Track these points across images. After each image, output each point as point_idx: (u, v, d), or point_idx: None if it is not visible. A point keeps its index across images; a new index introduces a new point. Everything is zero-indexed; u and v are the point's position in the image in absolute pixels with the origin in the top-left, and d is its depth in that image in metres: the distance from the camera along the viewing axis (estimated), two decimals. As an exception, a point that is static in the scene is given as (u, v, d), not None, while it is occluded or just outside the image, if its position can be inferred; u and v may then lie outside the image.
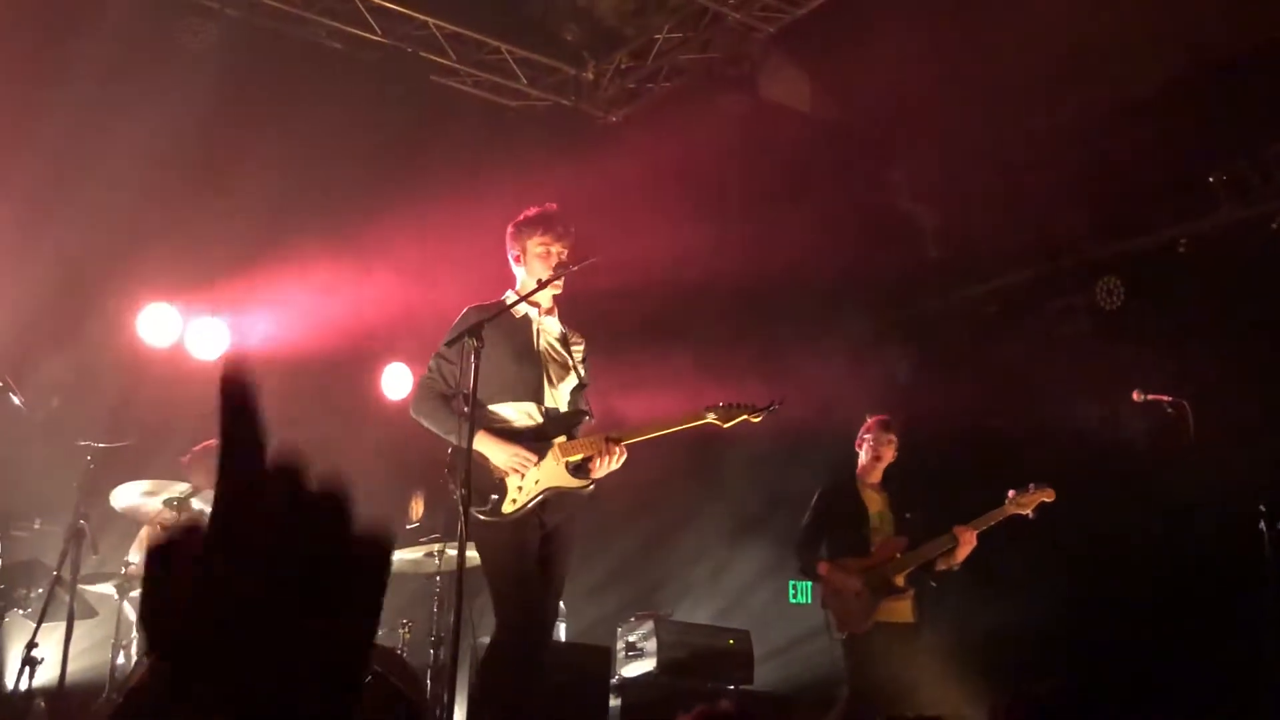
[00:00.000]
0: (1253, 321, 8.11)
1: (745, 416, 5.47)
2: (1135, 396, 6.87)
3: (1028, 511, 7.03)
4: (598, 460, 5.35)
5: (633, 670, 8.17)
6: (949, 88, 9.07)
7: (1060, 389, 8.90)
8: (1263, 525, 6.41)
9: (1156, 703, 7.61)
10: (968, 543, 7.05)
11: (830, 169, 9.90)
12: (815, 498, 7.62)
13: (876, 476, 7.54)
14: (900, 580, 7.18)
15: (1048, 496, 7.02)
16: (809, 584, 7.58)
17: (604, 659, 7.89)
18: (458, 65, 9.53)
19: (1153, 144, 8.72)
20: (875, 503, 7.49)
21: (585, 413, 5.61)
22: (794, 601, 9.51)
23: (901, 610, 7.23)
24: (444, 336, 5.45)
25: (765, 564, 9.52)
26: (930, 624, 7.44)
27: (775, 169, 9.65)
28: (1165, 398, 6.80)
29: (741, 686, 8.20)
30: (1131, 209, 9.18)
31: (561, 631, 8.42)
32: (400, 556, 7.42)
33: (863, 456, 7.57)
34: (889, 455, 7.51)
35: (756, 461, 9.74)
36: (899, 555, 7.21)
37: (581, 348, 5.72)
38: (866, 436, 7.58)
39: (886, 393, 9.35)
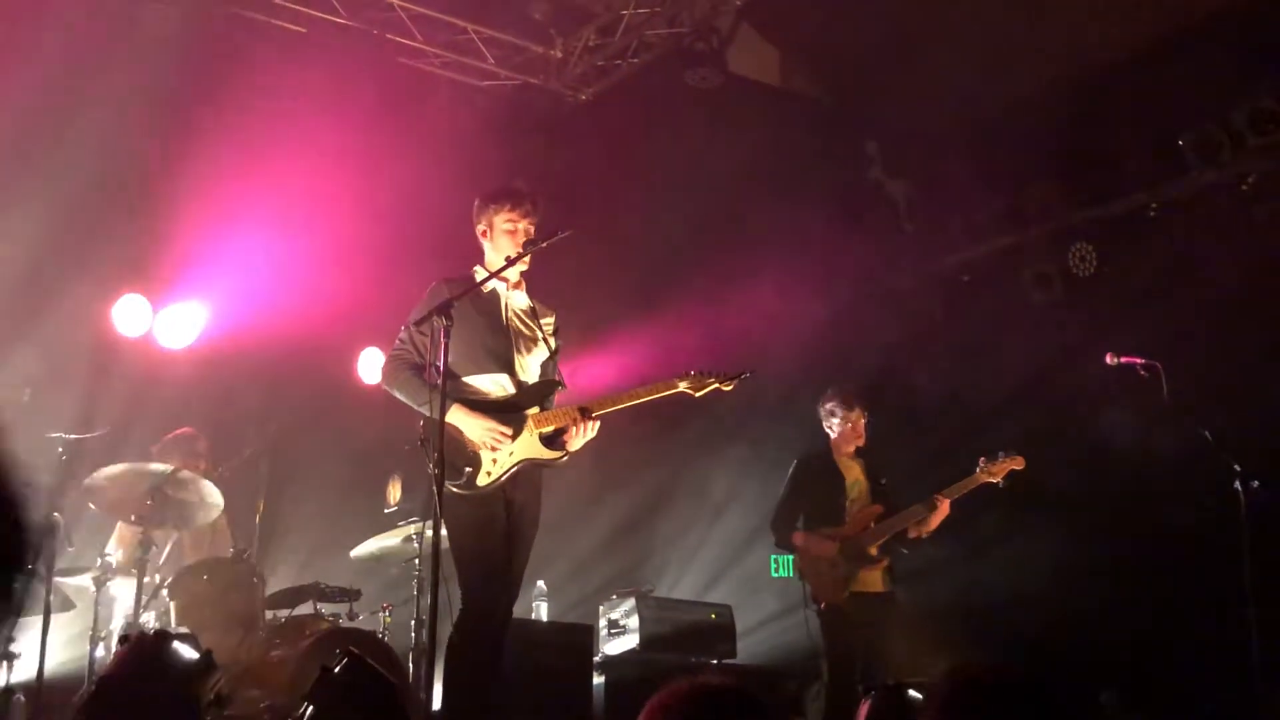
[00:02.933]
0: (1225, 283, 8.14)
1: (716, 385, 5.48)
2: (1109, 359, 6.87)
3: (998, 479, 7.08)
4: (573, 430, 5.35)
5: (616, 648, 8.18)
6: (918, 57, 9.06)
7: (1035, 355, 8.91)
8: (1238, 485, 6.43)
9: (1132, 663, 7.66)
10: (941, 511, 7.10)
11: (801, 142, 9.88)
12: (792, 468, 7.61)
13: (851, 447, 7.54)
14: (874, 550, 7.20)
15: (1017, 464, 7.08)
16: (790, 558, 7.58)
17: (586, 637, 7.89)
18: (424, 46, 9.46)
19: (1121, 109, 8.74)
20: (852, 471, 7.50)
21: (557, 382, 5.60)
22: (776, 576, 9.52)
23: (873, 580, 7.25)
24: (414, 311, 5.42)
25: (746, 538, 9.53)
26: (907, 590, 7.48)
27: (745, 144, 9.62)
28: (1139, 360, 6.81)
29: (724, 660, 8.22)
30: (1102, 175, 9.20)
31: (543, 611, 8.43)
32: (379, 542, 7.41)
33: (836, 430, 7.56)
34: (859, 425, 7.52)
35: (734, 435, 9.75)
36: (873, 524, 7.24)
37: (552, 320, 5.72)
38: (832, 417, 7.56)
39: (863, 364, 9.37)
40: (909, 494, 7.30)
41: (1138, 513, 8.03)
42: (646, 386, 5.47)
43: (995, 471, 7.07)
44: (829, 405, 7.58)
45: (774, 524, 7.56)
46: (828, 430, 7.60)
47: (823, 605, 7.21)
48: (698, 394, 5.48)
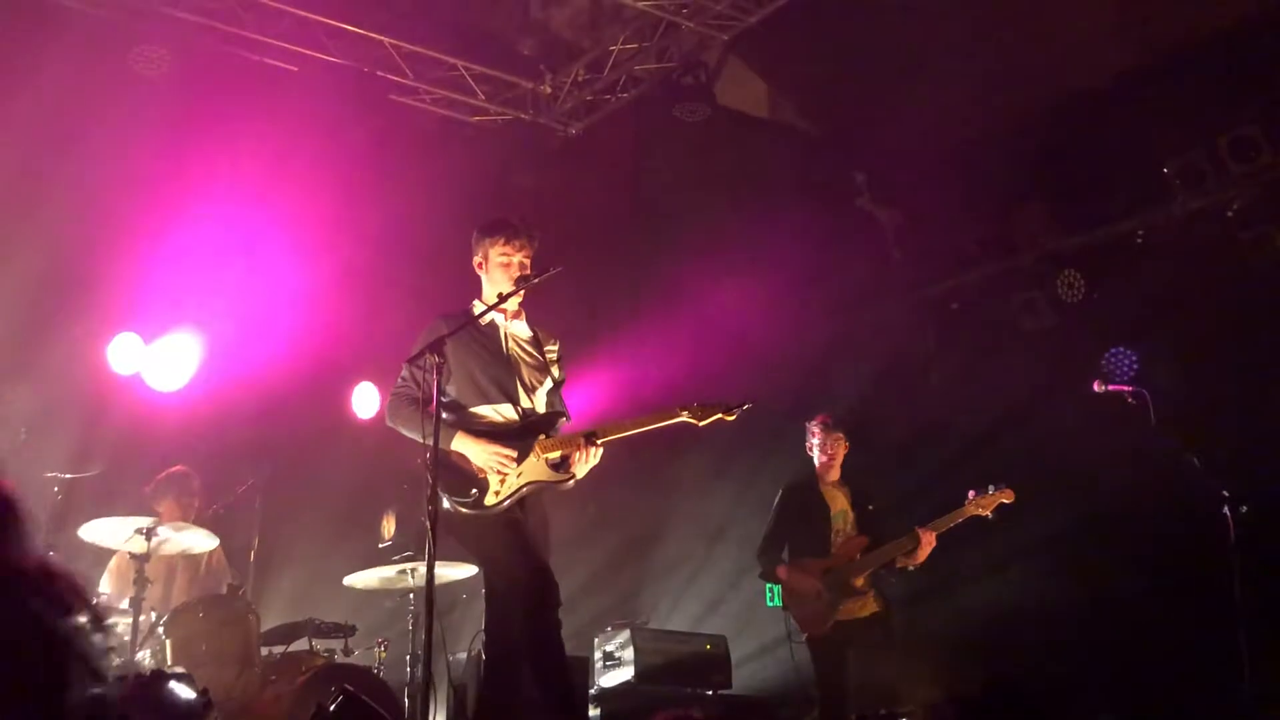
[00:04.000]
0: (1211, 309, 8.20)
1: (719, 415, 5.47)
2: (1096, 387, 6.91)
3: (987, 513, 7.06)
4: (577, 456, 5.40)
5: (611, 680, 8.18)
6: (904, 87, 9.14)
7: (1025, 381, 8.95)
8: (1225, 510, 6.47)
9: (1125, 687, 7.66)
10: (928, 543, 7.07)
11: (789, 172, 9.96)
12: (777, 498, 7.63)
13: (835, 474, 7.56)
14: (860, 582, 7.19)
15: (1007, 498, 7.06)
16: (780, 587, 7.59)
17: (582, 670, 7.88)
18: (415, 83, 9.55)
19: (1107, 136, 8.82)
20: (837, 500, 7.50)
21: (562, 414, 5.64)
22: (772, 605, 9.53)
23: (861, 606, 7.25)
24: (412, 346, 5.47)
25: (740, 568, 9.54)
26: (896, 615, 7.46)
27: (734, 175, 9.69)
28: (1126, 388, 6.86)
29: (720, 691, 8.22)
30: (1089, 202, 9.26)
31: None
32: (374, 575, 7.42)
33: (817, 458, 7.58)
34: (841, 451, 7.54)
35: (726, 465, 9.77)
36: (859, 556, 7.23)
37: (555, 347, 5.76)
38: (813, 440, 7.60)
39: (853, 392, 9.40)
40: (897, 521, 7.30)
41: (1127, 538, 8.05)
42: (650, 415, 5.51)
43: (985, 504, 7.04)
44: (810, 429, 7.62)
45: (760, 554, 7.57)
46: (811, 456, 7.63)
47: (806, 637, 7.22)
48: (701, 424, 5.49)
